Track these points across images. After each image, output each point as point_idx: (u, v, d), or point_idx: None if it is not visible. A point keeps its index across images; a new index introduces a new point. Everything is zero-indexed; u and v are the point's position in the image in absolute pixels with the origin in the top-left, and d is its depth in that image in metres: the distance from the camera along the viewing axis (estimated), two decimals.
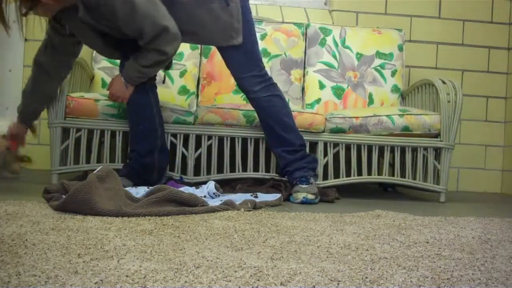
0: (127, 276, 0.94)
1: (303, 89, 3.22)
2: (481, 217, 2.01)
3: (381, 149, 2.76)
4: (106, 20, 2.16)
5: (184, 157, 2.65)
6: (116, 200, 1.68)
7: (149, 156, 2.35)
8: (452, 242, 1.44)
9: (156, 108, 2.39)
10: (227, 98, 3.06)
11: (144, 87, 2.34)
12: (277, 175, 2.61)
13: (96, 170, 1.77)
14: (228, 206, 1.90)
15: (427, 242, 1.43)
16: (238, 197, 2.10)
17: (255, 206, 1.99)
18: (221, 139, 2.69)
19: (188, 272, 0.99)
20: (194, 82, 3.10)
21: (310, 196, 2.32)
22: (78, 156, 2.62)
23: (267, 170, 2.68)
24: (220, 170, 2.67)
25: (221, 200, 2.01)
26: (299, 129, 2.64)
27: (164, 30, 2.16)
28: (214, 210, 1.84)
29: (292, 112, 2.60)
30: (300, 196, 2.32)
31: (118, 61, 3.02)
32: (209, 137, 2.65)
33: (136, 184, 2.31)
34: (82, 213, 1.62)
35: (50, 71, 2.38)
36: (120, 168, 2.41)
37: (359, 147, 2.73)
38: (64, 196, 1.70)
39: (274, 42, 3.19)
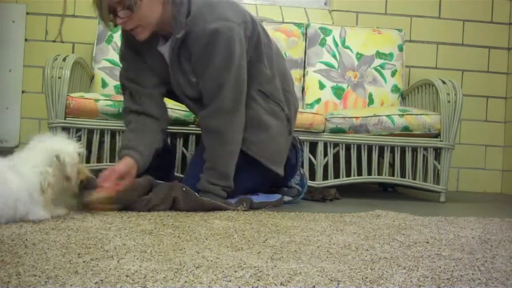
0: (127, 276, 0.94)
1: (303, 89, 3.22)
2: (481, 217, 2.01)
3: (381, 149, 2.76)
4: (195, 60, 1.98)
5: (184, 157, 2.65)
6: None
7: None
8: (452, 242, 1.44)
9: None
10: None
11: None
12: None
13: None
14: (225, 204, 1.91)
15: (427, 242, 1.43)
16: (235, 197, 2.10)
17: (251, 205, 1.99)
18: None
19: (188, 272, 0.99)
20: None
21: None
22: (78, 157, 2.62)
23: None
24: None
25: None
26: (300, 129, 2.65)
27: (237, 102, 2.00)
28: (213, 205, 1.86)
29: None
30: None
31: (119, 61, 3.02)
32: None
33: None
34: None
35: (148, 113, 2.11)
36: None
37: (359, 147, 2.73)
38: None
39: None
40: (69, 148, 1.64)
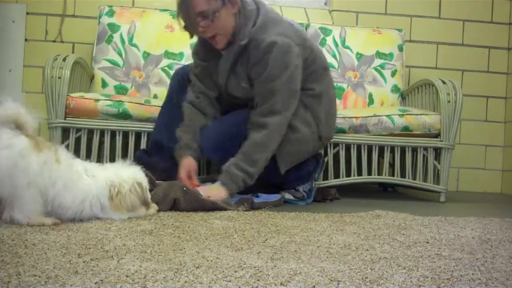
0: (127, 276, 0.94)
1: None
2: (481, 217, 2.01)
3: (381, 149, 2.76)
4: (252, 65, 2.14)
5: None
6: None
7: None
8: (452, 242, 1.44)
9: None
10: None
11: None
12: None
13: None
14: (226, 204, 1.91)
15: (427, 242, 1.43)
16: (235, 196, 2.10)
17: (252, 206, 1.99)
18: None
19: (188, 272, 0.99)
20: None
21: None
22: (78, 156, 2.60)
23: None
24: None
25: None
26: None
27: (286, 107, 2.14)
28: (213, 205, 1.86)
29: None
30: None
31: (120, 62, 3.04)
32: None
33: None
34: None
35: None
36: None
37: (359, 147, 2.73)
38: None
39: None
40: (145, 180, 1.72)
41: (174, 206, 1.84)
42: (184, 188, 1.85)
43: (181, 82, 2.42)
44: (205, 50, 2.28)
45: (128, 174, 1.66)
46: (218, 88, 2.33)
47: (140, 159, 2.33)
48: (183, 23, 2.12)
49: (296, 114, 2.21)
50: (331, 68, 3.19)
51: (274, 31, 2.12)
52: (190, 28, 2.11)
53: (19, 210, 1.39)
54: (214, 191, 2.01)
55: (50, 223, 1.43)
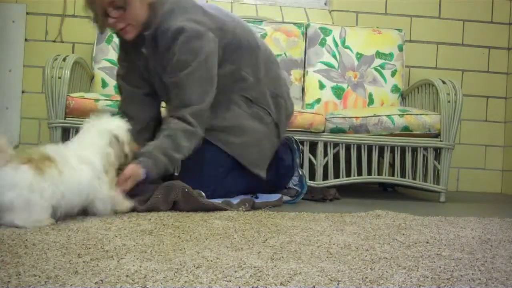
0: (127, 276, 0.94)
1: (303, 89, 3.22)
2: (481, 217, 2.01)
3: (381, 149, 2.76)
4: (160, 57, 2.02)
5: None
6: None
7: None
8: (452, 242, 1.44)
9: None
10: None
11: None
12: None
13: None
14: (227, 205, 1.90)
15: (427, 242, 1.43)
16: (236, 197, 2.10)
17: (253, 206, 1.99)
18: None
19: (188, 272, 0.99)
20: None
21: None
22: None
23: None
24: None
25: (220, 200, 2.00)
26: (300, 129, 2.65)
27: (202, 99, 2.01)
28: (214, 207, 1.86)
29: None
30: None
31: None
32: None
33: None
34: None
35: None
36: None
37: (359, 147, 2.73)
38: None
39: (274, 42, 3.19)
40: (122, 127, 1.75)
41: (174, 207, 1.84)
42: (186, 190, 1.84)
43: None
44: (126, 51, 2.18)
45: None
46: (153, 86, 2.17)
47: None
48: (93, 15, 1.96)
49: (239, 114, 2.12)
50: (331, 68, 3.21)
51: (182, 17, 1.99)
52: (99, 19, 1.95)
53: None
54: (128, 170, 1.80)
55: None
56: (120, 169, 1.76)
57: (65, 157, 1.55)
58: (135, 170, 1.81)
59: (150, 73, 2.13)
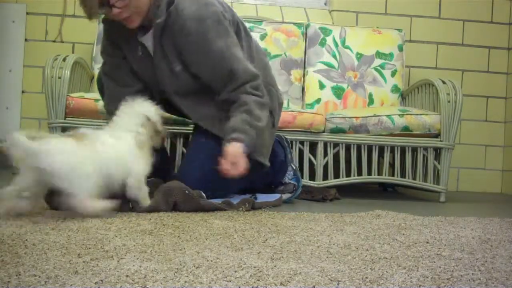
0: (127, 276, 0.94)
1: (303, 89, 3.22)
2: (481, 217, 2.01)
3: (381, 149, 2.76)
4: (186, 49, 1.96)
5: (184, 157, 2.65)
6: None
7: None
8: (452, 242, 1.44)
9: None
10: None
11: None
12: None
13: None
14: (227, 205, 1.90)
15: (427, 242, 1.43)
16: (236, 197, 2.10)
17: (254, 206, 1.99)
18: None
19: (188, 272, 0.99)
20: None
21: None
22: None
23: None
24: None
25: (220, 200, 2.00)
26: (300, 129, 2.65)
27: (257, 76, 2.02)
28: (215, 207, 1.86)
29: (292, 112, 2.58)
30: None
31: None
32: None
33: None
34: None
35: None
36: None
37: (359, 147, 2.73)
38: None
39: (274, 42, 3.19)
40: (154, 108, 1.85)
41: (174, 207, 1.83)
42: (186, 191, 1.84)
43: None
44: (115, 43, 2.09)
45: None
46: (149, 85, 2.12)
47: None
48: (88, 6, 1.85)
49: None
50: (331, 68, 3.21)
51: (195, 3, 1.96)
52: (95, 11, 1.86)
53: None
54: (230, 151, 1.85)
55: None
56: (155, 150, 1.85)
57: (99, 136, 1.67)
58: (234, 150, 1.86)
59: (146, 65, 2.06)
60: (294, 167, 2.37)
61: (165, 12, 1.94)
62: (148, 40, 2.03)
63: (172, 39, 1.97)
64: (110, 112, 2.00)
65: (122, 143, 1.70)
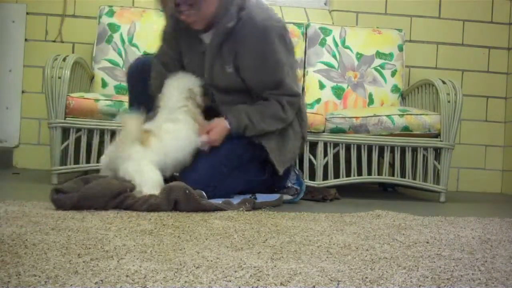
0: (127, 276, 0.94)
1: (303, 89, 3.21)
2: (481, 217, 2.01)
3: (381, 149, 2.76)
4: (245, 53, 2.10)
5: None
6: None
7: None
8: (452, 242, 1.44)
9: None
10: None
11: None
12: None
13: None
14: (227, 205, 1.90)
15: (427, 242, 1.43)
16: (236, 197, 2.10)
17: (254, 206, 1.99)
18: None
19: (188, 272, 0.99)
20: None
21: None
22: (78, 156, 2.62)
23: None
24: None
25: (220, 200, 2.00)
26: None
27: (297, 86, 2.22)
28: (215, 208, 1.85)
29: None
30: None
31: (120, 62, 3.01)
32: None
33: None
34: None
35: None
36: None
37: (359, 147, 2.73)
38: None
39: None
40: (195, 81, 2.10)
41: (175, 207, 1.83)
42: (187, 191, 1.84)
43: (137, 73, 2.30)
44: (176, 36, 2.20)
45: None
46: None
47: None
48: (163, 7, 2.10)
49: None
50: (331, 68, 3.21)
51: (264, 16, 2.11)
52: (169, 12, 2.10)
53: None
54: (215, 124, 2.10)
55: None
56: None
57: (160, 126, 1.98)
58: (220, 122, 2.11)
59: (199, 60, 2.16)
60: (297, 172, 2.39)
61: (236, 17, 2.06)
62: (207, 37, 2.13)
63: (234, 43, 2.09)
64: (156, 86, 2.18)
65: (180, 128, 2.00)
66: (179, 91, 2.04)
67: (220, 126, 2.11)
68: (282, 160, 2.20)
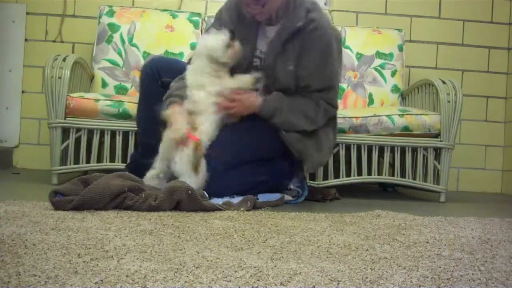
0: (127, 276, 0.94)
1: None
2: (481, 217, 2.01)
3: (381, 149, 2.76)
4: (309, 54, 2.18)
5: None
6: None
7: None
8: (452, 242, 1.44)
9: None
10: None
11: None
12: None
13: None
14: (228, 206, 1.90)
15: (427, 242, 1.43)
16: (237, 197, 2.10)
17: (255, 205, 1.99)
18: None
19: (188, 272, 0.99)
20: None
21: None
22: (78, 156, 2.62)
23: None
24: None
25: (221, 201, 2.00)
26: None
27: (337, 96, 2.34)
28: (216, 208, 1.86)
29: None
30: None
31: (120, 62, 3.01)
32: None
33: None
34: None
35: None
36: (121, 168, 2.40)
37: (359, 147, 2.73)
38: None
39: None
40: (216, 43, 2.13)
41: (177, 207, 1.83)
42: (189, 191, 1.84)
43: (151, 74, 2.29)
44: (236, 18, 2.27)
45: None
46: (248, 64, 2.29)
47: (135, 161, 2.33)
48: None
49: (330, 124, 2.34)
50: None
51: (330, 24, 2.26)
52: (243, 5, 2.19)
53: None
54: (247, 96, 2.16)
55: None
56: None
57: (197, 103, 2.08)
58: (251, 97, 2.17)
59: (268, 58, 2.22)
60: (302, 176, 2.42)
61: (305, 17, 2.16)
62: (271, 31, 2.23)
63: (302, 42, 2.17)
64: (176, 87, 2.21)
65: (208, 95, 2.09)
66: (200, 58, 2.13)
67: (250, 101, 2.17)
68: (311, 166, 2.36)
